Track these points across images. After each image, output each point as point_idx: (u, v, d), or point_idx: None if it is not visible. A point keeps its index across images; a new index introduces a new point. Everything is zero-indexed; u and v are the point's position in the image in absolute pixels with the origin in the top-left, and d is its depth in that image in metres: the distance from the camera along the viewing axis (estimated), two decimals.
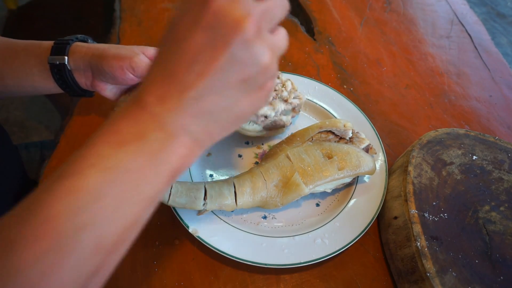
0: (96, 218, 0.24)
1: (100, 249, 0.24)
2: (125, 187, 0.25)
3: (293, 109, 0.57)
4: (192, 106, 0.26)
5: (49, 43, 0.50)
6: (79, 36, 0.53)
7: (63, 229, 0.23)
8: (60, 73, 0.50)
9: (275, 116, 0.53)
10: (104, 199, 0.24)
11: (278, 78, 0.56)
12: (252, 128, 0.54)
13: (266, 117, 0.53)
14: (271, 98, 0.53)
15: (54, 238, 0.22)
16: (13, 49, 0.51)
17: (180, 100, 0.26)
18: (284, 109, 0.54)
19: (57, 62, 0.49)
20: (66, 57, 0.49)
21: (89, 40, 0.54)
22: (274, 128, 0.56)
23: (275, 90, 0.55)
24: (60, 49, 0.49)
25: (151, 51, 0.52)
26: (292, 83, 0.56)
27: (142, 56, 0.50)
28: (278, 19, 0.27)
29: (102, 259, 0.25)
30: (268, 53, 0.26)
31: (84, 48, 0.50)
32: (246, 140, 0.59)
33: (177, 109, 0.26)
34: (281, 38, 0.28)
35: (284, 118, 0.54)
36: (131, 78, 0.50)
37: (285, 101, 0.54)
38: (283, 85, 0.55)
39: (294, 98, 0.56)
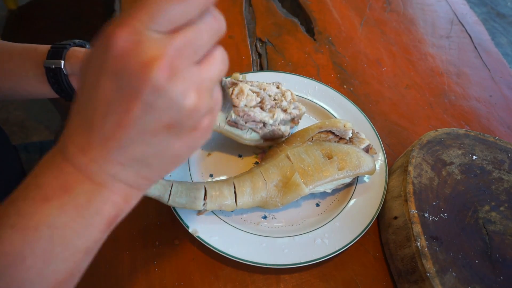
0: (19, 281, 0.23)
1: None
2: (51, 245, 0.23)
3: (292, 120, 0.56)
4: (118, 155, 0.24)
5: (46, 47, 0.50)
6: (76, 41, 0.52)
7: None
8: (55, 77, 0.49)
9: (273, 125, 0.53)
10: (26, 260, 0.23)
11: (278, 87, 0.56)
12: (250, 137, 0.53)
13: (264, 124, 0.52)
14: (269, 106, 0.52)
15: None
16: (9, 52, 0.50)
17: (103, 150, 0.24)
18: (283, 119, 0.54)
19: (53, 66, 0.48)
20: (62, 61, 0.48)
21: (87, 46, 0.54)
22: (272, 138, 0.55)
23: (275, 100, 0.54)
24: (56, 53, 0.49)
25: None
26: (291, 94, 0.55)
27: None
28: (205, 46, 0.24)
29: None
30: (192, 93, 0.23)
31: (81, 53, 0.50)
32: (240, 153, 0.59)
33: (102, 159, 0.24)
34: (214, 66, 0.24)
35: (282, 128, 0.54)
36: None
37: (285, 111, 0.54)
38: (283, 95, 0.54)
39: (293, 108, 0.55)
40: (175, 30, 0.22)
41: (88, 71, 0.23)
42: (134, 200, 0.27)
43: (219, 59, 0.25)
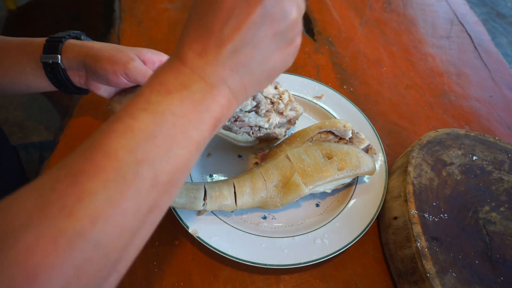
0: (150, 155, 0.26)
1: (156, 185, 0.26)
2: (174, 130, 0.27)
3: (289, 121, 0.56)
4: (230, 59, 0.28)
5: (42, 40, 0.49)
6: (71, 33, 0.52)
7: (122, 163, 0.24)
8: (53, 72, 0.49)
9: (268, 128, 0.53)
10: (157, 139, 0.26)
11: (276, 88, 0.55)
12: (244, 139, 0.53)
13: (259, 128, 0.52)
14: (264, 110, 0.52)
15: (115, 171, 0.24)
16: (6, 47, 0.50)
17: (218, 53, 0.28)
18: (279, 122, 0.53)
19: (50, 61, 0.48)
20: (59, 56, 0.48)
21: (83, 37, 0.53)
22: (266, 139, 0.55)
23: (272, 103, 0.54)
24: (52, 48, 0.49)
25: (147, 54, 0.52)
26: (289, 95, 0.55)
27: (137, 61, 0.49)
28: None
29: (157, 195, 0.26)
30: (295, 9, 0.28)
31: (77, 46, 0.49)
32: (240, 153, 0.59)
33: (216, 62, 0.28)
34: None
35: (277, 130, 0.54)
36: (124, 82, 0.50)
37: (281, 113, 0.54)
38: (280, 97, 0.54)
39: (290, 110, 0.55)
40: None
41: None
42: (232, 109, 0.31)
43: None
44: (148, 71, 0.50)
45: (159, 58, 0.53)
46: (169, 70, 0.29)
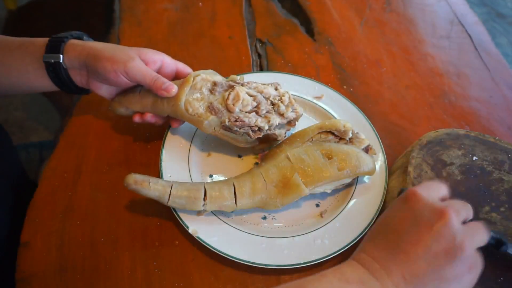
0: None
1: None
2: None
3: (289, 123, 0.56)
4: (403, 268, 0.34)
5: (44, 40, 0.50)
6: (73, 33, 0.52)
7: None
8: (55, 72, 0.49)
9: (268, 129, 0.52)
10: None
11: (276, 89, 0.55)
12: (244, 139, 0.53)
13: (259, 129, 0.52)
14: (265, 111, 0.52)
15: None
16: (8, 47, 0.50)
17: (392, 261, 0.34)
18: (279, 123, 0.53)
19: (52, 61, 0.48)
20: (61, 56, 0.48)
21: (85, 37, 0.53)
22: (266, 141, 0.55)
23: (272, 104, 0.54)
24: (54, 47, 0.49)
25: (148, 53, 0.52)
26: (289, 96, 0.55)
27: (137, 60, 0.49)
28: (466, 216, 0.37)
29: None
30: (461, 236, 0.34)
31: (79, 46, 0.49)
32: (240, 153, 0.59)
33: (390, 268, 0.34)
34: (475, 231, 0.36)
35: (277, 131, 0.54)
36: (124, 82, 0.50)
37: (281, 115, 0.54)
38: (281, 99, 0.54)
39: (291, 111, 0.55)
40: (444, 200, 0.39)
41: (393, 213, 0.38)
42: None
43: (480, 230, 0.37)
44: (147, 70, 0.50)
45: (160, 58, 0.53)
46: (349, 265, 0.36)
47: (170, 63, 0.54)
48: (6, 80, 0.51)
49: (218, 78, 0.54)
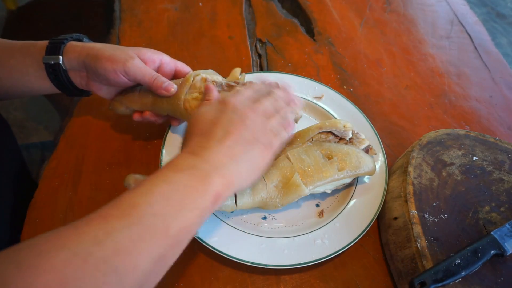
0: (165, 211, 0.32)
1: (167, 236, 0.32)
2: (184, 196, 0.34)
3: None
4: (226, 151, 0.38)
5: (44, 43, 0.50)
6: (73, 35, 0.52)
7: (143, 212, 0.31)
8: (55, 73, 0.50)
9: None
10: (170, 200, 0.33)
11: None
12: None
13: None
14: None
15: (137, 217, 0.31)
16: (9, 50, 0.50)
17: (218, 146, 0.38)
18: None
19: (52, 62, 0.49)
20: (60, 57, 0.49)
21: (85, 39, 0.54)
22: None
23: None
24: (54, 49, 0.49)
25: (147, 53, 0.52)
26: None
27: (137, 60, 0.49)
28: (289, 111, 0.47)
29: (166, 246, 0.32)
30: (273, 127, 0.43)
31: (78, 47, 0.50)
32: None
33: (217, 152, 0.38)
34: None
35: None
36: (124, 81, 0.50)
37: None
38: None
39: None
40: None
41: (206, 113, 0.42)
42: (230, 189, 0.38)
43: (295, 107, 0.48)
44: (147, 70, 0.50)
45: (159, 57, 0.53)
46: (180, 157, 0.38)
47: (169, 62, 0.54)
48: (7, 82, 0.51)
49: (218, 78, 0.54)
